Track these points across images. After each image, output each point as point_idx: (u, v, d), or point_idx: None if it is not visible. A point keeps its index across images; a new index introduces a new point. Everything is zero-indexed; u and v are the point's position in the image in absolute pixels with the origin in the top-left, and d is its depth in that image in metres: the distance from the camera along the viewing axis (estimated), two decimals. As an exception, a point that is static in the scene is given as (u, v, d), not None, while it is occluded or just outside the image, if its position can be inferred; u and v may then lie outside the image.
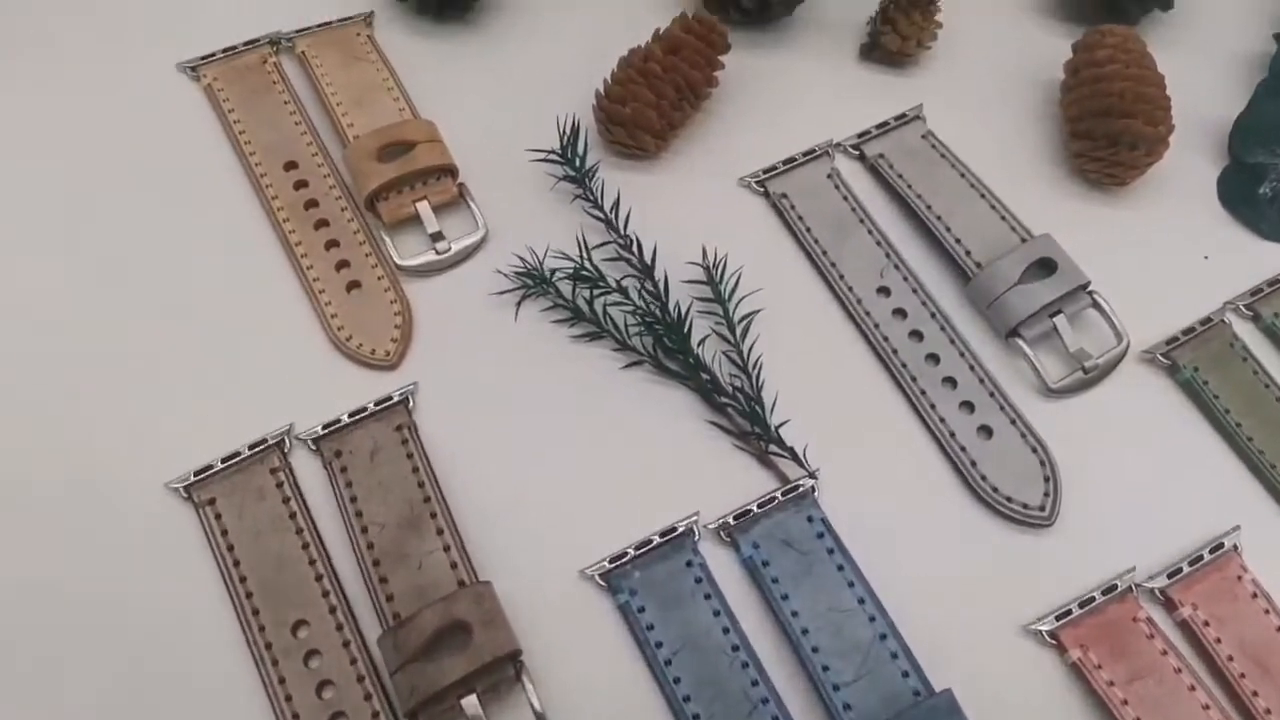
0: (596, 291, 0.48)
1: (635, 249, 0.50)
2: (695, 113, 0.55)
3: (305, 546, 0.42)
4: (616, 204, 0.51)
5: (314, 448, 0.45)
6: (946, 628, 0.43)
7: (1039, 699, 0.43)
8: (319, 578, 0.41)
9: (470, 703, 0.39)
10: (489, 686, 0.40)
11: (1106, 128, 0.52)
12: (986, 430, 0.48)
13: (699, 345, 0.48)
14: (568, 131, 0.52)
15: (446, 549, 0.42)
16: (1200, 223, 0.55)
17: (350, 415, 0.45)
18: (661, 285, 0.49)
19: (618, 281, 0.49)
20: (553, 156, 0.52)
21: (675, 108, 0.52)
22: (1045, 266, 0.50)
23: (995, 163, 0.55)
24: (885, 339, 0.50)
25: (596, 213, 0.51)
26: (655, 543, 0.44)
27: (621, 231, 0.50)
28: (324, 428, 0.45)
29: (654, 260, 0.50)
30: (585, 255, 0.49)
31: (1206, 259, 0.54)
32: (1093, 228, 0.54)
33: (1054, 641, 0.43)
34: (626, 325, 0.48)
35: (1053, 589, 0.44)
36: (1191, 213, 0.55)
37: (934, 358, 0.49)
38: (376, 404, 0.45)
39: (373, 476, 0.43)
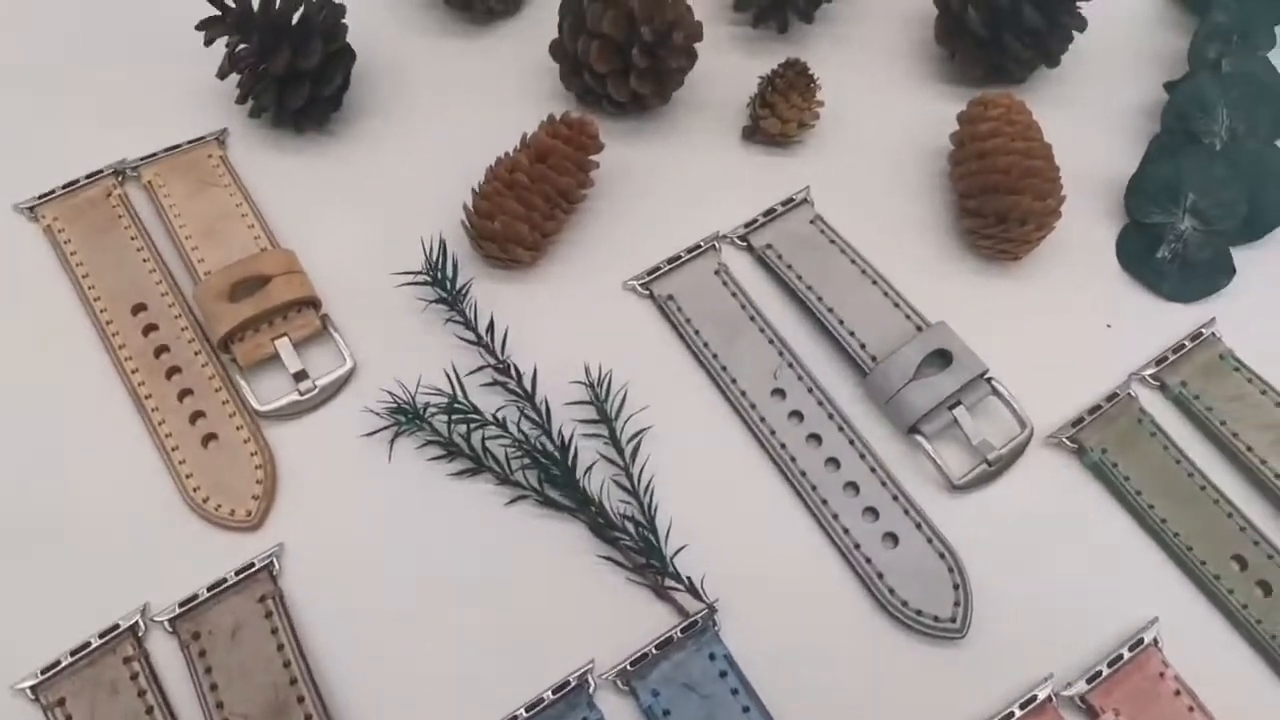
0: (473, 425, 0.46)
1: (513, 373, 0.48)
2: (571, 216, 0.53)
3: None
4: (491, 326, 0.49)
5: (170, 629, 0.42)
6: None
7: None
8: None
9: None
10: None
11: (995, 205, 0.51)
12: (892, 538, 0.46)
13: (586, 472, 0.47)
14: (435, 251, 0.50)
15: (317, 736, 0.40)
16: (1102, 289, 0.54)
17: (209, 589, 0.43)
18: (543, 409, 0.47)
19: (494, 414, 0.46)
20: (421, 278, 0.50)
21: (548, 217, 0.50)
22: (943, 356, 0.49)
23: (888, 242, 0.54)
24: (783, 446, 0.48)
25: (471, 335, 0.49)
26: (547, 700, 0.42)
27: (499, 355, 0.48)
28: (180, 605, 0.42)
29: (534, 383, 0.48)
30: (458, 389, 0.47)
31: (1109, 327, 0.53)
32: (991, 304, 0.53)
33: (975, 766, 0.42)
34: (508, 458, 0.46)
35: (972, 703, 0.43)
36: (1092, 279, 0.54)
37: (834, 461, 0.48)
38: (238, 573, 0.43)
39: (234, 658, 0.40)
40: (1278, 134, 0.58)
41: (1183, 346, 0.52)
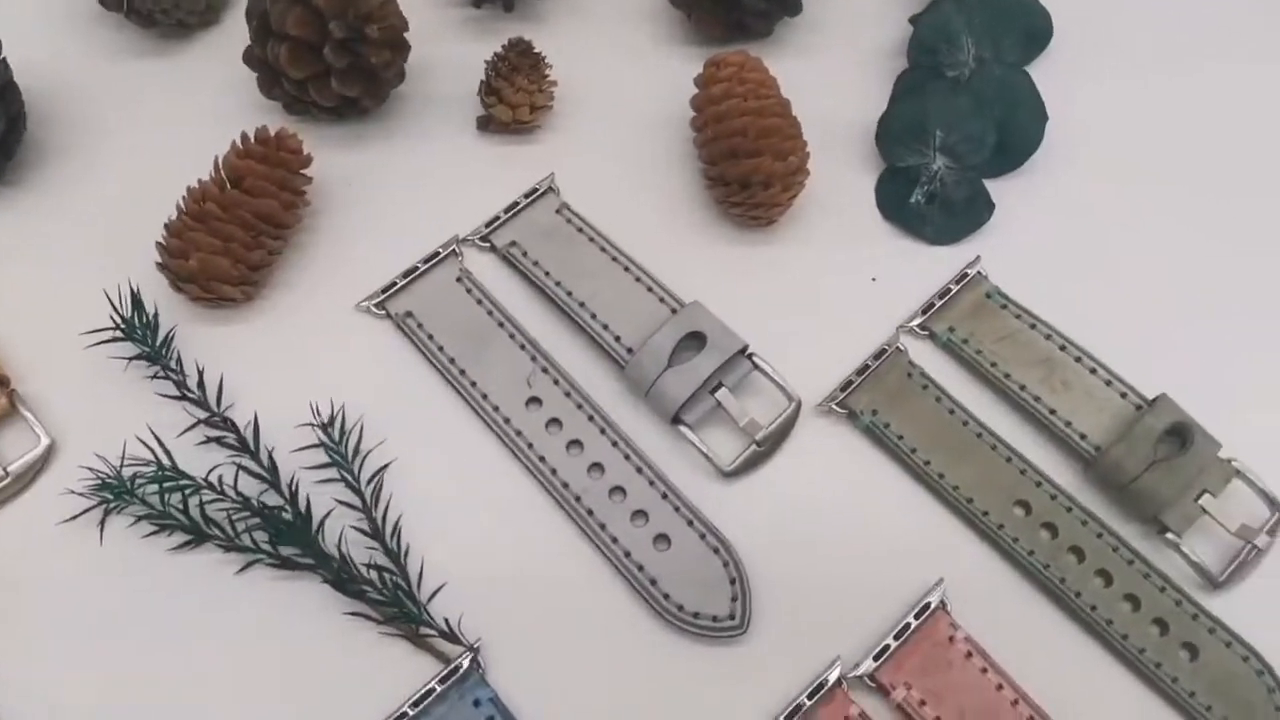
0: (186, 491, 0.42)
1: (229, 426, 0.44)
2: (286, 242, 0.49)
3: None
4: (201, 377, 0.45)
5: None
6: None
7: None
8: None
9: None
10: None
11: (736, 170, 0.49)
12: (664, 539, 0.44)
13: (321, 524, 0.43)
14: (124, 302, 0.45)
15: None
16: (864, 242, 0.53)
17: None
18: (267, 460, 0.43)
19: (207, 476, 0.42)
20: (116, 335, 0.45)
21: (251, 246, 0.46)
22: (699, 338, 0.47)
23: (641, 222, 0.52)
24: (542, 459, 0.45)
25: (178, 392, 0.45)
26: (293, 789, 0.38)
27: (211, 408, 0.44)
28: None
29: (256, 433, 0.44)
30: (161, 454, 0.43)
31: (875, 281, 0.51)
32: (750, 274, 0.51)
33: (767, 769, 0.40)
34: (233, 521, 0.42)
35: (762, 698, 0.41)
36: (854, 233, 0.53)
37: (598, 467, 0.45)
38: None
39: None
40: (1026, 56, 0.58)
41: (948, 291, 0.51)
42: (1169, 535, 0.45)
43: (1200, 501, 0.45)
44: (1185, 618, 0.44)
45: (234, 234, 0.45)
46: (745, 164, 0.49)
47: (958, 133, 0.53)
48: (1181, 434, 0.46)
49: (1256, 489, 0.46)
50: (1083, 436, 0.47)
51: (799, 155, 0.50)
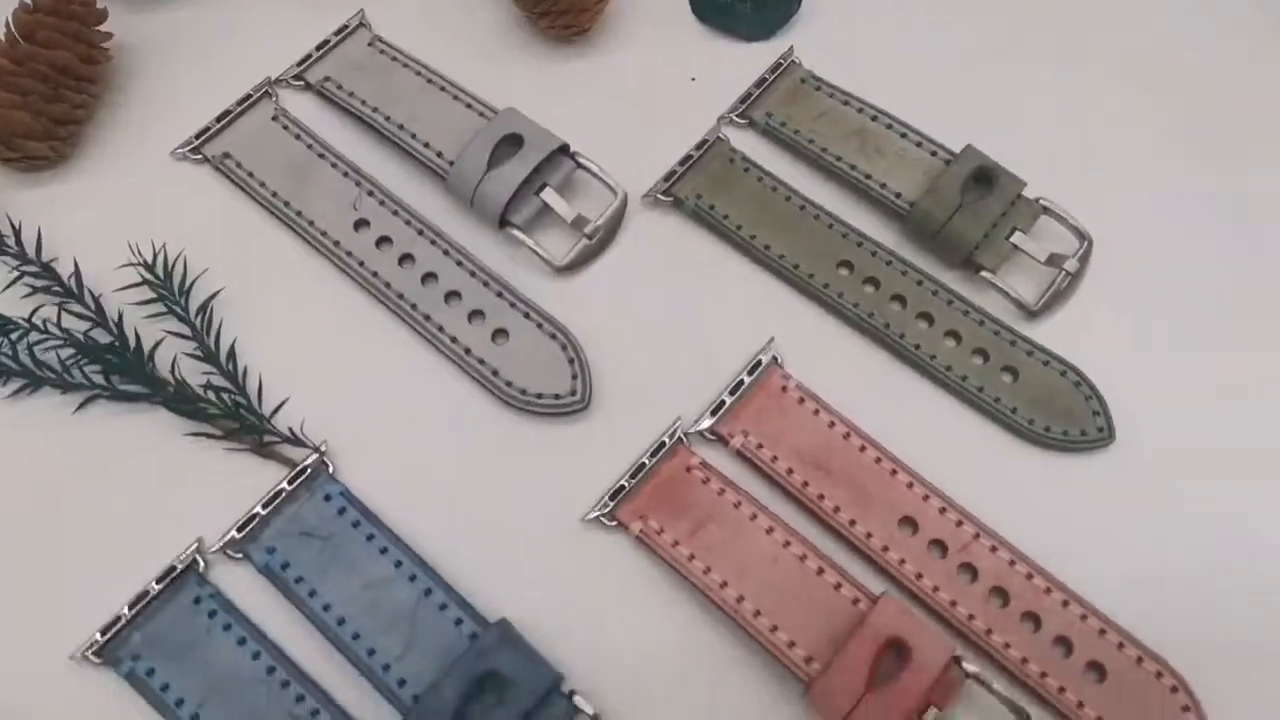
0: (13, 335, 0.42)
1: (53, 275, 0.44)
2: (93, 97, 0.49)
3: None
4: (18, 233, 0.45)
5: None
6: (501, 549, 0.42)
7: (615, 584, 0.41)
8: None
9: None
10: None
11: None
12: (503, 334, 0.46)
13: (151, 353, 0.44)
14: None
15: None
16: (681, 44, 0.54)
17: None
18: (93, 304, 0.44)
19: (28, 318, 0.43)
20: (-78, 200, 0.45)
21: (53, 99, 0.46)
22: (518, 142, 0.48)
23: (454, 45, 0.53)
24: (374, 274, 0.47)
25: (-2, 248, 0.45)
26: (153, 592, 0.39)
27: (33, 258, 0.44)
28: None
29: (79, 279, 0.45)
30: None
31: (694, 80, 0.53)
32: (569, 81, 0.53)
33: (615, 523, 0.42)
34: (65, 364, 0.43)
35: (608, 467, 0.43)
36: (670, 36, 0.55)
37: (432, 276, 0.47)
38: None
39: None
40: None
41: (765, 80, 0.53)
42: (984, 273, 0.48)
43: (1011, 240, 0.48)
44: (1004, 345, 0.47)
45: (31, 87, 0.45)
46: (541, -29, 0.50)
47: (756, -73, 0.54)
48: (986, 177, 0.49)
49: (1065, 223, 0.48)
50: (898, 195, 0.50)
51: (592, -39, 0.51)
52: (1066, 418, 0.45)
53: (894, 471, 0.44)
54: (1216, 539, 0.43)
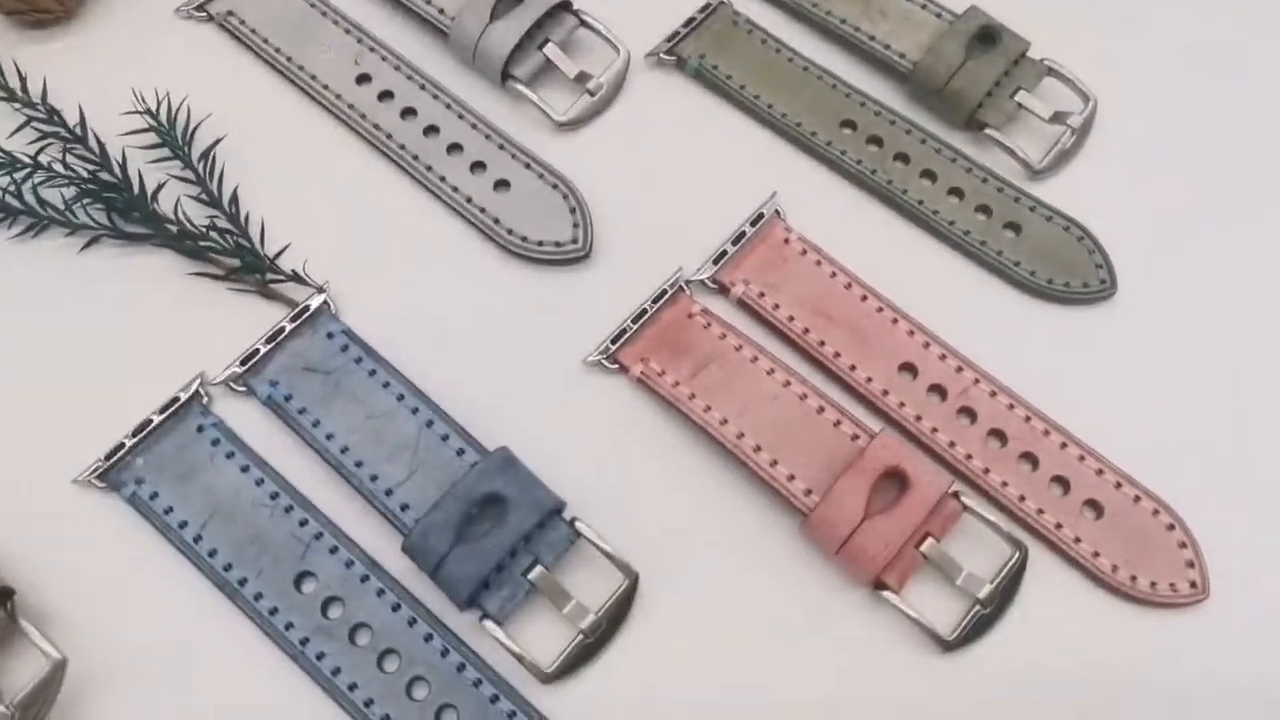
0: (19, 175, 0.43)
1: (60, 121, 0.44)
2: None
3: None
4: (24, 80, 0.45)
5: None
6: (502, 390, 0.42)
7: (615, 425, 0.42)
8: None
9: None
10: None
11: None
12: (504, 184, 0.46)
13: (155, 194, 0.44)
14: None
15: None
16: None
17: None
18: (98, 149, 0.44)
19: (33, 157, 0.43)
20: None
21: (59, -50, 0.46)
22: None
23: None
24: (376, 127, 0.47)
25: (5, 94, 0.45)
26: (155, 422, 0.40)
27: (39, 104, 0.45)
28: None
29: (84, 124, 0.45)
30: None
31: (697, -53, 0.53)
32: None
33: (616, 365, 0.42)
34: (68, 203, 0.43)
35: (611, 313, 0.44)
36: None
37: (433, 129, 0.47)
38: None
39: None
40: None
41: (768, -55, 0.53)
42: (989, 130, 0.48)
43: (1016, 98, 0.48)
44: (1008, 201, 0.47)
45: (36, -64, 0.45)
46: None
47: None
48: (990, 36, 0.49)
49: (1070, 84, 0.48)
50: (902, 55, 0.49)
51: None
52: (1069, 270, 0.45)
53: (895, 320, 0.44)
54: (1215, 387, 0.43)
